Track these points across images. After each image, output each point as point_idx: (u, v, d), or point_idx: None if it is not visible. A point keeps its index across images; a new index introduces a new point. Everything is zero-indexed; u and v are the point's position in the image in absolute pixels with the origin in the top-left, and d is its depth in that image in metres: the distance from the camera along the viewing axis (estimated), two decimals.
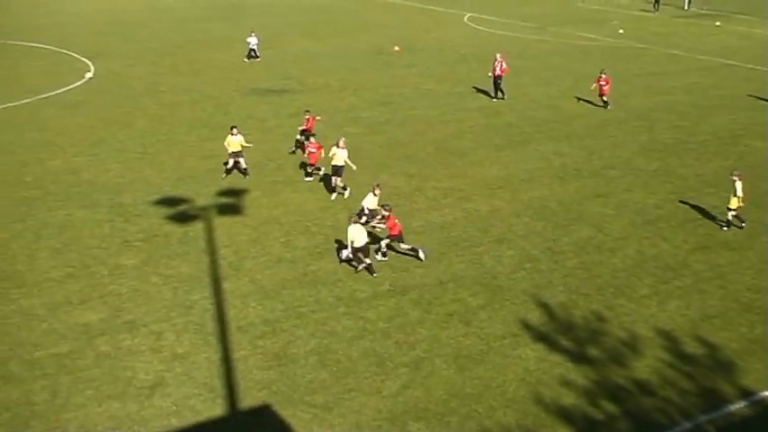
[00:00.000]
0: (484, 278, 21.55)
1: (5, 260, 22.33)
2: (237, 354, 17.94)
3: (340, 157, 27.16)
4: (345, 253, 21.86)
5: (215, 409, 16.08)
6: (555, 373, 17.23)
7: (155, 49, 54.73)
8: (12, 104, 39.61)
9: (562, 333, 18.87)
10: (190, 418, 15.78)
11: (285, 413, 15.89)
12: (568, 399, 16.39)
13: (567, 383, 16.89)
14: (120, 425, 15.51)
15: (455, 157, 31.75)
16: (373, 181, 28.61)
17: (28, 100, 40.54)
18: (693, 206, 26.62)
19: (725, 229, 24.69)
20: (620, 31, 62.64)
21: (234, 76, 46.54)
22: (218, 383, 16.88)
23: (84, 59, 50.98)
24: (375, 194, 23.91)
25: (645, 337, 18.76)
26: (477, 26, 66.16)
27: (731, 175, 24.70)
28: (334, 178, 27.36)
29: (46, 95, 41.58)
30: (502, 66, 40.31)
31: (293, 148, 32.23)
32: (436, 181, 29.00)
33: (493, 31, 63.63)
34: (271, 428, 15.55)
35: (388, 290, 20.85)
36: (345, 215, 25.52)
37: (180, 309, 19.90)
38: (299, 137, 32.19)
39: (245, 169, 29.17)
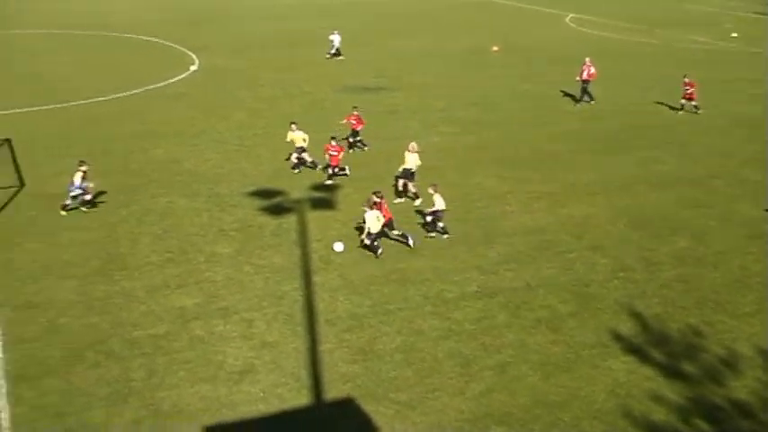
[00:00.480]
0: (575, 285, 21.27)
1: (111, 243, 23.31)
2: (324, 346, 18.26)
3: (411, 161, 26.69)
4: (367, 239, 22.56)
5: (300, 398, 16.42)
6: (646, 387, 16.86)
7: (256, 44, 55.99)
8: (122, 95, 41.23)
9: (655, 346, 18.44)
10: (276, 406, 16.16)
11: (368, 407, 16.08)
12: (659, 414, 16.01)
13: (658, 398, 16.51)
14: (210, 407, 16.01)
15: (550, 161, 31.40)
16: (465, 181, 28.70)
17: (136, 91, 42.12)
18: None
19: None
20: (734, 34, 60.56)
21: (330, 72, 47.18)
22: (304, 374, 17.22)
23: (190, 53, 52.59)
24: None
25: (745, 355, 18.09)
26: (578, 27, 65.14)
27: None
28: (402, 181, 26.91)
29: (153, 87, 43.10)
30: (590, 70, 39.56)
31: (348, 150, 32.14)
32: (529, 184, 28.75)
33: (595, 32, 62.52)
34: (354, 422, 15.78)
35: (476, 292, 20.83)
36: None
37: (271, 298, 20.37)
38: (350, 139, 32.19)
39: (312, 162, 29.50)
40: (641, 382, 17.02)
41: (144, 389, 16.54)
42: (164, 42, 56.59)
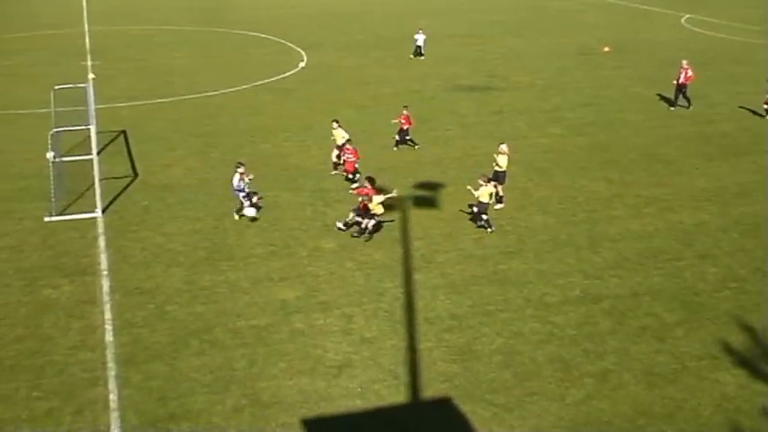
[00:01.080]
0: (683, 294, 20.53)
1: (218, 235, 23.95)
2: (423, 344, 18.22)
3: (502, 162, 25.97)
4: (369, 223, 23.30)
5: (398, 395, 16.44)
6: (757, 403, 16.11)
7: (364, 42, 56.47)
8: (233, 90, 42.35)
9: None
10: (373, 402, 16.23)
11: (466, 408, 15.96)
12: None
13: None
14: (308, 399, 16.23)
15: (660, 165, 30.42)
16: (571, 184, 28.15)
17: (247, 86, 43.16)
18: None
19: None
20: None
21: (438, 71, 47.09)
22: (402, 371, 17.24)
23: (299, 49, 53.52)
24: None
25: None
26: (694, 28, 62.91)
27: None
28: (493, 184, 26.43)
29: (263, 82, 44.08)
30: (687, 74, 37.96)
31: (394, 147, 32.09)
32: (638, 188, 27.93)
33: (712, 33, 60.26)
34: (451, 421, 15.69)
35: (579, 296, 20.38)
36: (540, 216, 25.25)
37: (371, 295, 20.48)
38: (397, 137, 31.96)
39: (336, 163, 29.28)
40: (752, 397, 16.28)
41: (245, 378, 16.91)
42: (274, 39, 57.78)
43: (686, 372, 17.18)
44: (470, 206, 24.56)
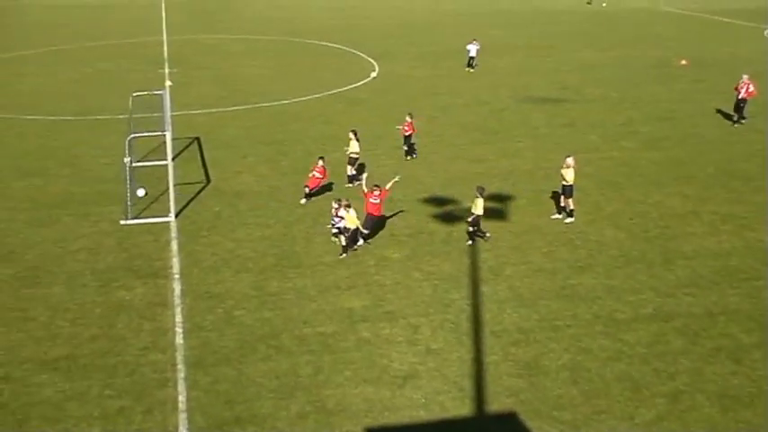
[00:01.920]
0: (761, 315, 19.86)
1: (286, 242, 24.20)
2: (489, 357, 18.05)
3: (567, 176, 25.40)
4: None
5: (463, 408, 16.31)
6: None
7: (435, 53, 56.50)
8: (305, 98, 42.84)
9: None
10: (437, 413, 16.13)
11: (531, 424, 15.73)
12: None
13: None
14: (373, 408, 16.22)
15: (738, 182, 29.56)
16: (645, 199, 27.58)
17: (319, 95, 43.61)
18: None
19: None
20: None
21: (511, 82, 46.78)
22: (467, 384, 17.09)
23: (371, 59, 53.85)
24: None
25: None
26: None
27: None
28: (562, 198, 25.86)
29: (335, 91, 44.47)
30: (748, 89, 36.74)
31: (407, 157, 31.88)
32: (715, 205, 27.19)
33: None
34: None
35: (651, 314, 19.91)
36: (612, 231, 24.80)
37: (438, 306, 20.40)
38: (405, 147, 31.64)
39: (352, 176, 29.07)
40: None
41: (310, 385, 17.00)
42: (346, 49, 58.28)
43: (763, 395, 16.61)
44: (467, 220, 24.29)
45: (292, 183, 28.99)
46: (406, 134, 31.99)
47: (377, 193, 23.60)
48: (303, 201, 27.17)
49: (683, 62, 52.00)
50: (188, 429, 15.56)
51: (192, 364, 17.73)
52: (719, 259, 22.98)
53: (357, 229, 23.23)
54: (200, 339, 18.77)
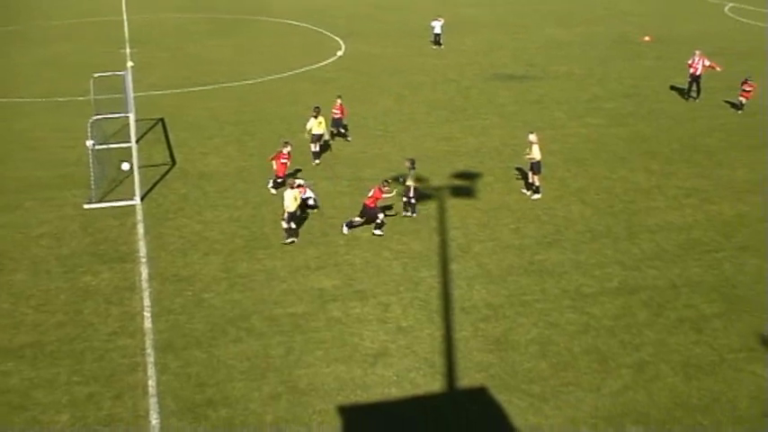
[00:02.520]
0: (722, 286, 20.28)
1: (255, 223, 24.14)
2: (459, 334, 18.23)
3: (533, 152, 25.57)
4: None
5: (434, 384, 16.48)
6: None
7: (402, 31, 56.27)
8: (271, 78, 42.53)
9: None
10: (409, 390, 16.29)
11: (501, 397, 15.96)
12: None
13: None
14: (345, 387, 16.33)
15: (701, 156, 30.00)
16: (610, 174, 27.88)
17: (285, 74, 43.32)
18: None
19: None
20: None
21: (477, 60, 46.81)
22: (438, 360, 17.27)
23: (337, 38, 53.53)
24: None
25: None
26: (739, 17, 61.73)
27: None
28: (530, 174, 26.07)
29: (301, 70, 44.21)
30: (704, 62, 37.07)
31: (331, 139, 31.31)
32: (679, 179, 27.59)
33: (757, 23, 59.10)
34: (486, 411, 15.70)
35: (617, 288, 20.23)
36: (578, 206, 25.06)
37: (408, 284, 20.52)
38: (332, 129, 31.18)
39: (316, 152, 29.16)
40: None
41: (282, 366, 17.06)
42: (312, 27, 57.87)
43: (724, 364, 17.01)
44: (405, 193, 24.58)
45: (260, 163, 28.86)
46: (336, 117, 31.49)
47: (387, 189, 23.37)
48: (274, 191, 26.48)
49: (647, 38, 52.37)
50: (159, 413, 15.55)
51: (161, 348, 17.69)
52: (682, 233, 23.36)
53: (294, 212, 22.73)
54: (169, 323, 18.73)
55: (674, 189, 26.69)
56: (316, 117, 29.07)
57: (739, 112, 35.72)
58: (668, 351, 17.49)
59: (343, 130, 31.83)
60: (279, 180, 26.30)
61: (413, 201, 24.47)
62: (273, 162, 26.46)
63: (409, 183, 24.30)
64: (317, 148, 29.26)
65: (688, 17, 61.83)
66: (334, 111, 31.43)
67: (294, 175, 26.68)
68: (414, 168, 24.33)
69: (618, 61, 46.51)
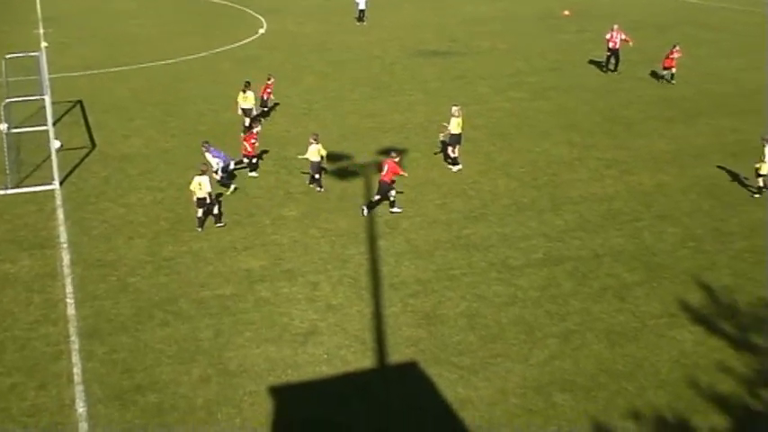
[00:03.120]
0: (643, 254, 20.86)
1: (180, 205, 23.72)
2: (388, 310, 18.32)
3: (451, 125, 25.88)
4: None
5: (364, 360, 16.54)
6: (713, 358, 16.50)
7: (325, 7, 55.90)
8: (192, 57, 41.75)
9: (724, 318, 18.00)
10: (340, 368, 16.31)
11: (431, 371, 16.12)
12: (725, 386, 15.67)
13: (725, 370, 16.15)
14: (275, 367, 16.25)
15: (621, 128, 30.70)
16: (533, 147, 28.31)
17: (206, 53, 42.57)
18: None
19: (756, 196, 23.93)
20: None
21: (401, 36, 46.83)
22: (368, 336, 17.33)
23: (258, 16, 52.84)
24: None
25: None
26: None
27: (762, 139, 23.91)
28: (449, 148, 26.35)
29: (222, 49, 43.50)
30: (621, 36, 38.01)
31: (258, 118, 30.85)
32: (599, 151, 28.19)
33: None
34: (417, 385, 15.83)
35: (542, 259, 20.59)
36: (503, 180, 25.40)
37: (336, 262, 20.50)
38: (263, 108, 31.24)
39: (246, 127, 29.02)
40: (708, 353, 16.67)
41: (211, 348, 16.87)
42: (233, 5, 56.96)
43: (646, 330, 17.51)
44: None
45: (183, 144, 28.37)
46: (264, 97, 31.32)
47: (398, 159, 23.34)
48: (255, 174, 25.93)
49: (566, 13, 53.20)
50: (85, 402, 15.22)
51: (86, 335, 17.29)
52: (604, 203, 23.91)
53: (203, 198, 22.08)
54: (93, 309, 18.31)
55: (595, 161, 27.26)
56: (244, 92, 29.16)
57: (673, 82, 36.61)
58: (593, 319, 17.92)
59: (266, 108, 31.68)
60: (253, 161, 25.98)
61: (316, 176, 24.51)
62: (245, 143, 25.84)
63: (308, 156, 24.26)
64: (247, 123, 29.12)
65: None
66: (267, 91, 31.37)
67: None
68: (317, 143, 24.22)
69: (540, 36, 47.15)
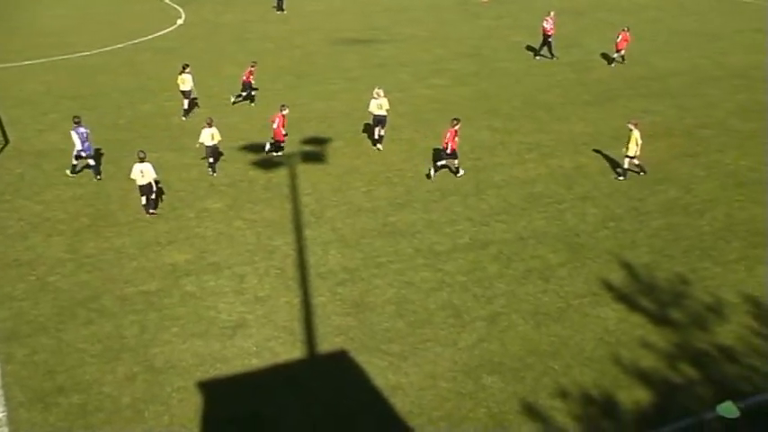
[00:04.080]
0: (565, 235, 21.29)
1: (101, 200, 23.16)
2: (317, 299, 18.27)
3: (380, 106, 26.48)
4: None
5: (294, 351, 16.47)
6: (635, 335, 16.99)
7: None
8: (108, 48, 40.70)
9: (644, 294, 18.54)
10: (269, 359, 16.21)
11: (361, 359, 16.15)
12: (648, 361, 16.16)
13: (646, 345, 16.65)
14: (203, 362, 16.05)
15: (541, 112, 31.22)
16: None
17: (123, 45, 41.56)
18: None
19: (620, 179, 24.70)
20: None
21: (322, 25, 46.59)
22: (297, 327, 17.25)
23: (176, 6, 51.83)
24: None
25: (730, 302, 18.25)
26: None
27: (629, 123, 24.64)
28: (376, 129, 26.94)
29: (140, 40, 42.53)
30: (552, 23, 38.79)
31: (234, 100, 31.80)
32: (521, 135, 28.61)
33: None
34: (347, 374, 15.85)
35: (468, 243, 20.81)
36: (427, 166, 25.55)
37: (262, 253, 20.32)
38: (243, 93, 31.63)
39: (186, 110, 30.09)
40: (630, 330, 17.14)
41: (137, 345, 16.55)
42: None
43: (570, 309, 17.90)
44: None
45: (102, 138, 27.63)
46: (246, 81, 31.47)
47: (459, 125, 24.47)
48: (279, 153, 26.47)
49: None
50: (5, 406, 14.76)
51: (4, 338, 16.75)
52: (527, 186, 24.30)
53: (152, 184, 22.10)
54: (12, 310, 17.74)
55: (516, 145, 27.66)
56: (181, 74, 29.59)
57: (624, 62, 37.53)
58: (518, 301, 18.22)
59: (246, 93, 31.78)
60: (281, 144, 26.32)
61: (210, 160, 24.71)
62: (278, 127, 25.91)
63: (201, 141, 24.52)
64: (186, 105, 29.78)
65: None
66: (246, 75, 31.43)
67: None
68: (210, 127, 24.31)
69: (459, 23, 47.51)
